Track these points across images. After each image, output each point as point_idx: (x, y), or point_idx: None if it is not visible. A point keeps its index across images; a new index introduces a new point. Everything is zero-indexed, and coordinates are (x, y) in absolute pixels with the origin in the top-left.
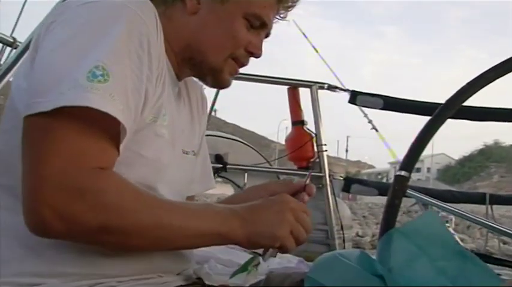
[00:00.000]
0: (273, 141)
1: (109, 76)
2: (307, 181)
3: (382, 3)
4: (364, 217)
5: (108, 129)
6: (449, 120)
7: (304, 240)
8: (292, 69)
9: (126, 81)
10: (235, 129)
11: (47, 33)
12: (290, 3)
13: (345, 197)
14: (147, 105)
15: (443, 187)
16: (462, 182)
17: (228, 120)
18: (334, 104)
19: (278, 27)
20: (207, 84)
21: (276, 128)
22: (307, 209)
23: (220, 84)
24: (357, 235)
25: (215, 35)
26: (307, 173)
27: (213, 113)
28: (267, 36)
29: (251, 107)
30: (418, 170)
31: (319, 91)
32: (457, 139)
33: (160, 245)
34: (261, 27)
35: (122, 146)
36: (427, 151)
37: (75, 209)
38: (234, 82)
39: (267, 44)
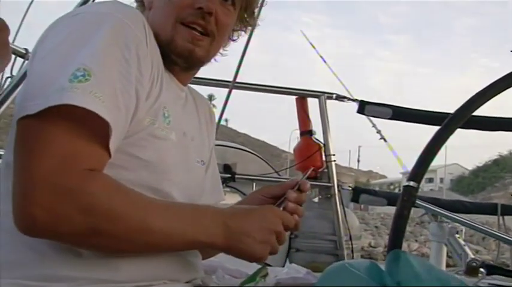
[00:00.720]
0: (284, 151)
1: (90, 76)
2: (304, 178)
3: (390, 12)
4: (376, 227)
5: (97, 130)
6: (460, 130)
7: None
8: (302, 79)
9: (113, 82)
10: (247, 139)
11: (40, 44)
12: None
13: (357, 208)
14: (140, 107)
15: (456, 197)
16: (476, 192)
17: (239, 130)
18: (346, 114)
19: (287, 38)
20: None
21: (288, 137)
22: (290, 216)
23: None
24: (370, 245)
25: (159, 13)
26: (307, 176)
27: (224, 123)
28: None
29: (263, 117)
30: (431, 180)
31: (328, 101)
32: (470, 149)
33: (148, 249)
34: None
35: (114, 148)
36: (439, 161)
37: (64, 211)
38: (245, 92)
39: (278, 56)
